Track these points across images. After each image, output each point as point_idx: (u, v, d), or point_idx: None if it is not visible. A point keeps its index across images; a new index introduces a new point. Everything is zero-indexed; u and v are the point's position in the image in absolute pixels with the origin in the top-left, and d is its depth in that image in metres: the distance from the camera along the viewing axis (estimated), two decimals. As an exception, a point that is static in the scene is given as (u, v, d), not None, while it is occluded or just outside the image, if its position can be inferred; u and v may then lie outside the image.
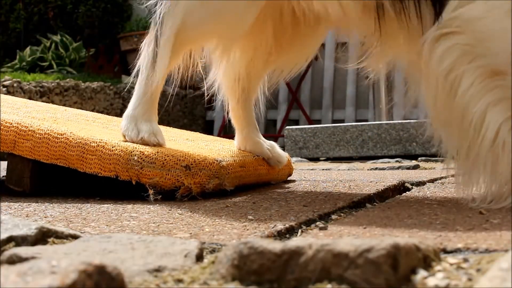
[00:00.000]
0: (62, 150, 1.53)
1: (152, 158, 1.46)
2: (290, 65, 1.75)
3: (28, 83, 5.04)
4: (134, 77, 1.63)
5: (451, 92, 1.22)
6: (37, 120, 1.62)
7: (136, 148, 1.49)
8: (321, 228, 1.04)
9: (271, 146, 1.82)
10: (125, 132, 1.55)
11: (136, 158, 1.47)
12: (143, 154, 1.47)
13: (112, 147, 1.49)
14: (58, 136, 1.55)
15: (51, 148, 1.54)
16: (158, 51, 1.55)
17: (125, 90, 1.63)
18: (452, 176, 1.33)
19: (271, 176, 1.82)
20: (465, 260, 0.75)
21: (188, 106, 5.94)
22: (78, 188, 1.66)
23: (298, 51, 1.72)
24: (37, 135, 1.56)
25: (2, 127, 1.59)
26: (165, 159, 1.46)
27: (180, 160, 1.46)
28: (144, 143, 1.53)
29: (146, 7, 1.63)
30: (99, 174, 1.50)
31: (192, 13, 1.54)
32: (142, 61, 1.60)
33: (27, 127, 1.58)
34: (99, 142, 1.51)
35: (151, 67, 1.57)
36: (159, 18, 1.56)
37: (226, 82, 1.76)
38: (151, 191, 1.45)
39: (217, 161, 1.50)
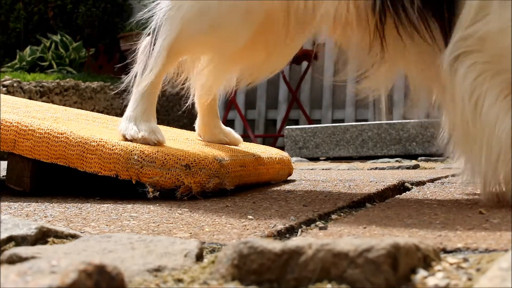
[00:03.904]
0: (62, 149, 1.53)
1: (152, 157, 1.46)
2: (262, 70, 1.78)
3: (28, 83, 5.04)
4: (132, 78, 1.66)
5: (476, 111, 1.20)
6: (37, 120, 1.62)
7: (136, 147, 1.49)
8: (321, 228, 1.04)
9: (228, 132, 1.91)
10: (124, 132, 1.56)
11: (136, 157, 1.47)
12: (143, 153, 1.47)
13: (112, 147, 1.50)
14: (58, 135, 1.55)
15: (51, 147, 1.54)
16: (150, 60, 1.59)
17: (122, 90, 1.65)
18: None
19: (271, 175, 1.82)
20: (465, 259, 0.75)
21: (188, 106, 5.93)
22: (78, 188, 1.66)
23: (271, 59, 1.74)
24: (37, 135, 1.56)
25: (2, 127, 1.59)
26: (165, 158, 1.46)
27: (180, 159, 1.46)
28: (145, 141, 1.53)
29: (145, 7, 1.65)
30: (99, 173, 1.50)
31: (189, 25, 1.56)
32: (138, 66, 1.63)
33: (27, 126, 1.58)
34: (99, 141, 1.51)
35: (144, 73, 1.61)
36: (155, 27, 1.60)
37: (199, 73, 1.78)
38: (150, 190, 1.45)
39: (217, 160, 1.50)
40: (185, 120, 6.06)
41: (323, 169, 2.82)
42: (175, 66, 1.71)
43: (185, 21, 1.56)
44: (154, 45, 1.60)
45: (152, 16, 1.64)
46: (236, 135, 1.92)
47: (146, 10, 1.65)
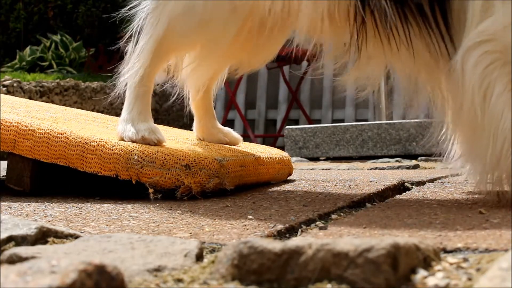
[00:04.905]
0: (62, 149, 1.53)
1: (152, 158, 1.46)
2: (250, 63, 1.79)
3: (28, 83, 5.04)
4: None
5: (485, 100, 1.19)
6: (37, 120, 1.62)
7: (136, 147, 1.49)
8: (321, 228, 1.04)
9: (227, 132, 1.91)
10: (122, 134, 1.56)
11: (136, 157, 1.47)
12: (143, 154, 1.47)
13: (112, 147, 1.49)
14: (58, 135, 1.55)
15: (51, 147, 1.54)
16: (136, 61, 1.59)
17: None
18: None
19: (271, 175, 1.82)
20: (465, 259, 0.75)
21: (188, 106, 5.94)
22: (78, 188, 1.66)
23: (259, 53, 1.75)
24: (37, 135, 1.56)
25: (2, 127, 1.59)
26: (165, 158, 1.46)
27: (180, 159, 1.46)
28: (145, 141, 1.53)
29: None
30: (99, 174, 1.50)
31: (176, 23, 1.56)
32: (127, 67, 1.64)
33: (27, 126, 1.58)
34: (99, 141, 1.51)
35: (134, 73, 1.61)
36: (138, 26, 1.61)
37: (188, 73, 1.78)
38: (151, 190, 1.45)
39: (217, 160, 1.50)
40: (185, 120, 6.06)
41: (323, 169, 2.82)
42: (165, 65, 1.71)
43: (171, 19, 1.57)
44: (136, 44, 1.61)
45: (135, 14, 1.64)
46: (236, 135, 1.92)
47: (129, 7, 1.65)
